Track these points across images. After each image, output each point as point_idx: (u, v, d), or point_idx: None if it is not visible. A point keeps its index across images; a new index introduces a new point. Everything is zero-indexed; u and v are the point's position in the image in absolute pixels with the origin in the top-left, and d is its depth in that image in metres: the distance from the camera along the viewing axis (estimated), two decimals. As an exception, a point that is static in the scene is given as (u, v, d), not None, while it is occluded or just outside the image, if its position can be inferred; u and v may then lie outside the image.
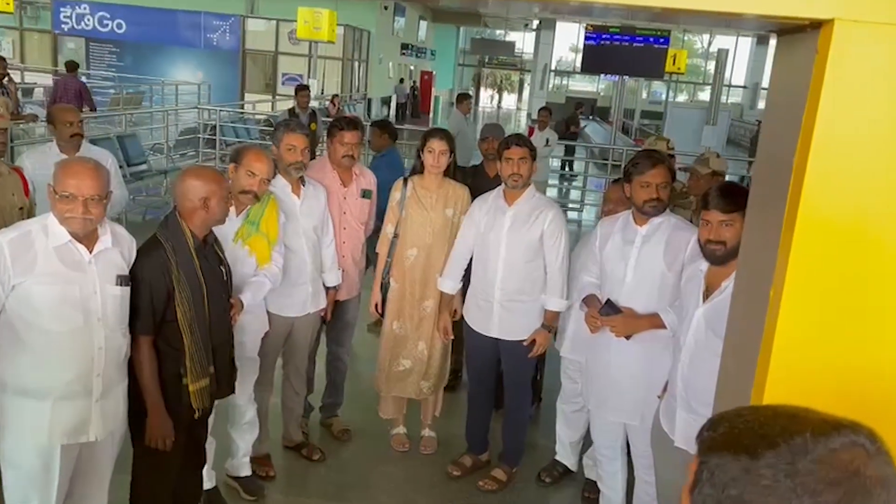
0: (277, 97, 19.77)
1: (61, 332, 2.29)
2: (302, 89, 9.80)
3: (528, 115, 30.05)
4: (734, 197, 2.32)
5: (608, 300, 2.93)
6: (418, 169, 3.72)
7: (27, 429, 2.34)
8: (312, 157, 3.66)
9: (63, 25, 21.75)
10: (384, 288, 3.77)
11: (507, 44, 38.99)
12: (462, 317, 3.69)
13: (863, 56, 1.24)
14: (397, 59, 28.19)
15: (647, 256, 2.89)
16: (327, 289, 3.66)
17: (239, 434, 3.39)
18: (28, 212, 3.31)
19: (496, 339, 3.52)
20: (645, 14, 1.63)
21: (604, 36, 14.72)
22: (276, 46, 21.95)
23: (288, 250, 3.35)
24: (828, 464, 0.75)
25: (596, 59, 15.00)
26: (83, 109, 11.26)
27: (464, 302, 3.68)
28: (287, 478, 3.68)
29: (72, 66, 12.28)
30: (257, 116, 14.73)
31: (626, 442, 3.16)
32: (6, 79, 10.76)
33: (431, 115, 29.28)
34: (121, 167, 5.86)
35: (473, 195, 3.67)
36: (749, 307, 1.52)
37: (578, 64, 23.24)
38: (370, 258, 4.04)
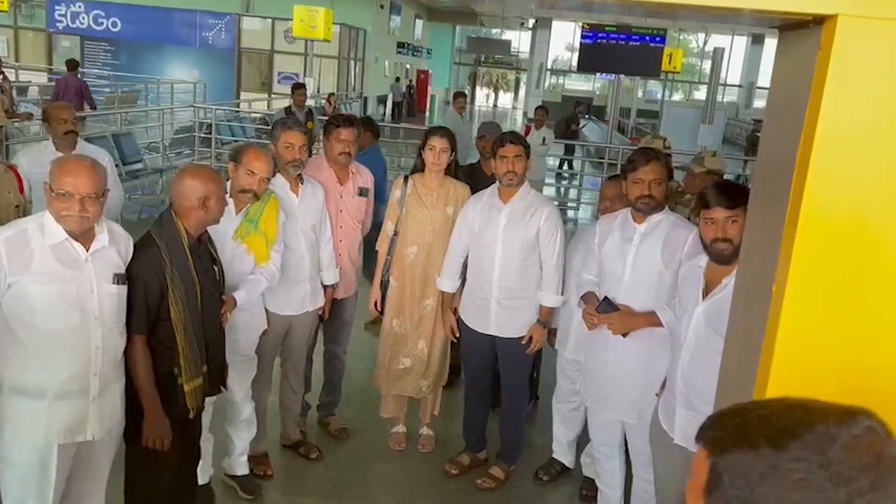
0: (273, 96, 19.75)
1: (58, 330, 2.28)
2: (298, 88, 9.78)
3: (524, 113, 30.07)
4: (734, 194, 2.32)
5: (605, 297, 2.93)
6: (419, 167, 3.71)
7: (24, 428, 2.32)
8: (309, 155, 3.65)
9: (58, 24, 21.64)
10: (384, 286, 3.76)
11: (504, 43, 38.99)
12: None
13: (866, 52, 1.23)
14: (393, 57, 28.16)
15: (644, 254, 2.89)
16: (325, 287, 3.65)
17: (236, 432, 3.38)
18: (24, 210, 3.30)
19: (493, 336, 3.52)
20: (644, 9, 1.62)
21: (600, 35, 14.73)
22: (272, 45, 21.90)
23: (286, 248, 3.34)
24: (854, 450, 0.75)
25: (592, 57, 14.99)
26: (84, 108, 11.26)
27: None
28: (285, 476, 3.67)
29: (72, 65, 12.30)
30: (253, 115, 14.68)
31: (624, 439, 3.16)
32: (1, 77, 10.74)
33: (427, 113, 29.27)
34: (116, 166, 5.83)
35: (471, 193, 3.66)
36: (751, 304, 1.52)
37: (574, 63, 23.22)
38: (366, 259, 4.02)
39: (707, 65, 28.52)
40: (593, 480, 3.52)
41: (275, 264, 3.22)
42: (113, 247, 2.41)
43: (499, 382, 3.73)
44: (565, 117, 16.06)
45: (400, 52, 28.77)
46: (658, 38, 14.79)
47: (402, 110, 26.76)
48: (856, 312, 1.31)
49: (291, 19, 16.29)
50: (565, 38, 36.53)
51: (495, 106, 44.57)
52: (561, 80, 39.59)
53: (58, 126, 3.99)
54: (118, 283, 2.39)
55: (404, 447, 3.98)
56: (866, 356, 1.32)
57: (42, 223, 2.28)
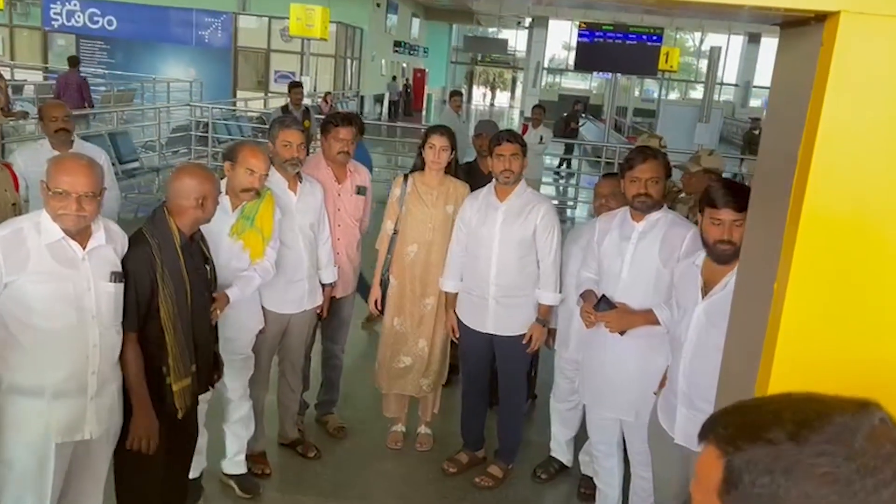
0: (270, 94, 19.71)
1: (55, 329, 2.27)
2: (295, 86, 9.76)
3: (521, 112, 30.05)
4: (743, 196, 2.30)
5: (603, 296, 2.93)
6: (419, 165, 3.70)
7: (22, 427, 2.31)
8: (307, 154, 3.64)
9: (53, 22, 21.59)
10: (384, 284, 3.76)
11: (500, 41, 38.95)
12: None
13: (869, 49, 1.22)
14: (390, 56, 28.14)
15: (643, 252, 2.89)
16: (323, 286, 3.64)
17: (232, 430, 3.37)
18: (20, 208, 3.29)
19: (490, 335, 3.51)
20: (644, 6, 1.62)
21: (597, 34, 14.74)
22: (269, 44, 21.87)
23: (284, 247, 3.33)
24: (875, 440, 0.74)
25: (589, 56, 15.00)
26: (84, 105, 11.25)
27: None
28: (283, 475, 3.66)
29: (73, 62, 12.33)
30: (249, 114, 14.66)
31: (623, 438, 3.16)
32: (-4, 76, 10.70)
33: (424, 112, 29.25)
34: (113, 165, 5.82)
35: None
36: (752, 303, 1.51)
37: (571, 62, 23.25)
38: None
39: (703, 64, 28.54)
40: (591, 479, 3.52)
41: (269, 261, 3.21)
42: (109, 245, 2.40)
43: (497, 381, 3.73)
44: (565, 116, 16.05)
45: (396, 51, 28.74)
46: (655, 37, 14.80)
47: (398, 109, 26.74)
48: (857, 311, 1.31)
49: (288, 18, 16.28)
50: (562, 36, 36.55)
51: (492, 105, 44.54)
52: (557, 79, 39.59)
53: (49, 124, 4.00)
54: (115, 282, 2.38)
55: (401, 446, 3.97)
56: (867, 354, 1.32)
57: (38, 222, 2.27)
